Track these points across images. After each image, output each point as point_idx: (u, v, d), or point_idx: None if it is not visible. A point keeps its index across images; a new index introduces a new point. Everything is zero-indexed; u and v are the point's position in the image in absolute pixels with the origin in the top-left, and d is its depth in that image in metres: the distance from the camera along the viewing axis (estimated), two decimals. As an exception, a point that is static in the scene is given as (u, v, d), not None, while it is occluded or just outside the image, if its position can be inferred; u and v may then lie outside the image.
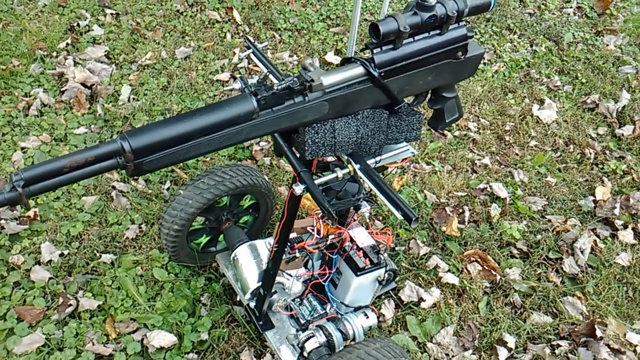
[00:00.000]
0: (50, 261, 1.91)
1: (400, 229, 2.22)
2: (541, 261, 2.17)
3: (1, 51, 2.78)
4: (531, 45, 3.42)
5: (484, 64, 3.20)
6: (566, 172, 2.60)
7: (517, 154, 2.69)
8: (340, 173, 1.21)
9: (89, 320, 1.77)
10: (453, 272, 2.08)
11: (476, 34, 3.45)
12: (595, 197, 2.42)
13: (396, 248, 2.14)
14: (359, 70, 1.15)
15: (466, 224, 2.28)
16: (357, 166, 1.20)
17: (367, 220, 2.16)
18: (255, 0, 3.40)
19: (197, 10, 3.27)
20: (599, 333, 1.84)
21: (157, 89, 2.72)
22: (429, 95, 1.38)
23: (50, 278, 1.86)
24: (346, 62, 1.19)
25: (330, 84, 1.11)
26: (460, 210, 2.31)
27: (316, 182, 1.19)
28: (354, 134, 1.21)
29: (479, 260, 2.12)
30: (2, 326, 1.74)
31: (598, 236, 2.27)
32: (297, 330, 1.74)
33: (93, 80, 2.65)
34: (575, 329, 1.89)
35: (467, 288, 2.03)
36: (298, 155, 1.21)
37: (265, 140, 2.53)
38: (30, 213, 2.03)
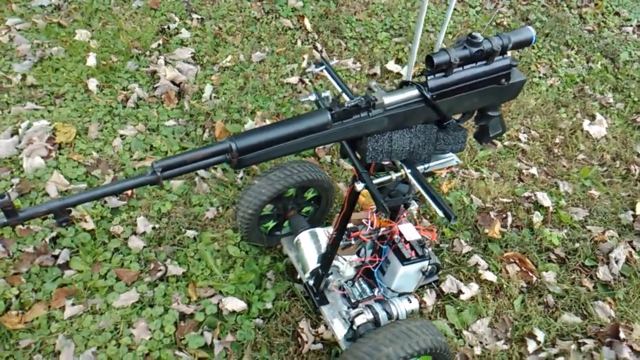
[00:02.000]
0: (144, 232, 2.27)
1: (445, 228, 2.44)
2: (577, 267, 2.34)
3: (102, 48, 3.20)
4: (587, 62, 3.53)
5: (539, 77, 3.34)
6: (610, 186, 2.74)
7: (564, 166, 2.84)
8: (394, 176, 1.46)
9: (175, 284, 2.12)
10: (492, 271, 2.29)
11: (533, 48, 3.59)
12: (635, 211, 2.55)
13: (441, 245, 2.37)
14: (414, 92, 1.39)
15: (508, 228, 2.47)
16: (408, 171, 1.46)
17: (415, 218, 2.40)
18: (324, 10, 3.68)
19: (272, 18, 3.59)
20: (622, 335, 2.01)
21: (235, 89, 3.06)
22: (475, 113, 1.61)
23: (144, 247, 2.22)
24: (404, 85, 1.44)
25: (390, 103, 1.37)
26: (504, 215, 2.51)
27: (373, 182, 1.45)
28: (408, 144, 1.46)
29: (517, 261, 2.32)
30: (103, 284, 2.10)
31: (634, 248, 2.41)
32: (348, 308, 2.01)
33: (181, 79, 3.01)
34: (601, 330, 2.06)
35: (504, 286, 2.23)
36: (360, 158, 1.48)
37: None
38: (128, 191, 2.41)
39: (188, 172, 1.22)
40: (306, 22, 3.58)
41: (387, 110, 1.37)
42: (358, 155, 1.49)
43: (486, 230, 2.41)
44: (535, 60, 3.47)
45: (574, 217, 2.56)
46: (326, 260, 1.91)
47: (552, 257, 2.38)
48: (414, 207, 1.78)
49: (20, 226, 2.22)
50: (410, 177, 1.45)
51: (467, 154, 2.80)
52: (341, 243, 1.85)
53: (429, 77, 1.37)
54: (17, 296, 2.02)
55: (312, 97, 1.62)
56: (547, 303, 2.21)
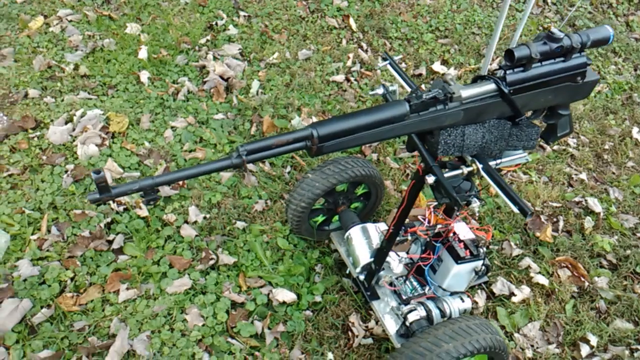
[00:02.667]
0: (195, 222, 2.30)
1: (494, 229, 2.42)
2: (628, 274, 2.30)
3: (153, 41, 3.25)
4: (635, 70, 3.48)
5: (588, 83, 3.30)
6: (662, 194, 2.69)
7: (613, 173, 2.80)
8: (465, 170, 1.46)
9: (226, 273, 2.14)
10: (543, 275, 2.26)
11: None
12: (689, 221, 2.50)
13: (490, 247, 2.35)
14: (491, 86, 1.39)
15: (559, 232, 2.44)
16: (480, 166, 1.45)
17: (476, 216, 2.38)
18: (370, 10, 3.69)
19: (318, 17, 3.61)
20: (680, 345, 1.97)
21: (281, 85, 3.08)
22: (545, 111, 1.60)
23: (195, 235, 2.25)
24: (479, 79, 1.44)
25: (467, 96, 1.37)
26: (555, 220, 2.48)
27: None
28: (480, 139, 1.46)
29: (569, 266, 2.29)
30: (157, 270, 2.13)
31: (688, 258, 2.36)
32: (399, 304, 2.01)
33: (229, 74, 3.05)
34: (657, 338, 2.02)
35: (556, 290, 2.20)
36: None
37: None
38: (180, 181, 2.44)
39: (270, 157, 1.23)
40: (351, 21, 3.59)
41: (464, 104, 1.37)
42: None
43: (537, 234, 2.39)
44: (583, 66, 3.43)
45: (625, 224, 2.51)
46: (381, 255, 1.90)
47: (604, 262, 2.34)
48: (475, 204, 1.76)
49: (75, 211, 2.26)
50: (482, 172, 1.45)
51: (514, 157, 2.78)
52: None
53: (507, 72, 1.37)
54: (72, 279, 2.05)
55: (380, 91, 1.63)
56: (599, 308, 2.17)
